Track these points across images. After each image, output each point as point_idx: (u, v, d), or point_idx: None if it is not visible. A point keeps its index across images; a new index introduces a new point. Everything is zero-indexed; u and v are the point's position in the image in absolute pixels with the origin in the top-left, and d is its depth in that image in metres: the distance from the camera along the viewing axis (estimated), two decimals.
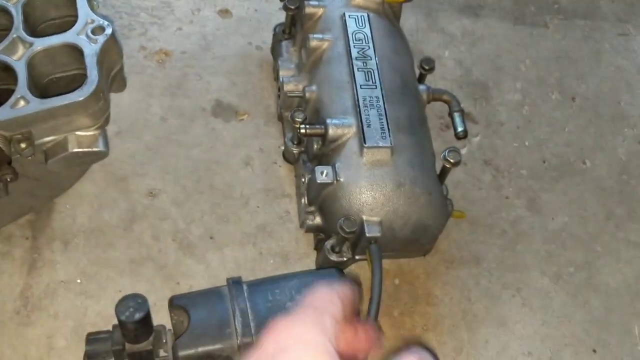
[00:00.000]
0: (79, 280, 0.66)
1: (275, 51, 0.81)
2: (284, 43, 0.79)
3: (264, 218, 0.73)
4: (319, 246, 0.70)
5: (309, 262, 0.71)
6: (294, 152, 0.75)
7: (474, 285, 0.72)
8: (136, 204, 0.72)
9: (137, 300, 0.53)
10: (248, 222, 0.73)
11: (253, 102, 0.82)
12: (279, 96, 0.78)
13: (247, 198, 0.74)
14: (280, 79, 0.75)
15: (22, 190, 0.57)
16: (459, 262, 0.74)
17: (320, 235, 0.70)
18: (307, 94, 0.71)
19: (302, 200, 0.70)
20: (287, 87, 0.74)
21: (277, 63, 0.77)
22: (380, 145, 0.64)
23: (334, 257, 0.66)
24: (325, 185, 0.65)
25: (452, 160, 0.66)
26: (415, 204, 0.64)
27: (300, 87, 0.73)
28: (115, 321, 0.52)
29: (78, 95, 0.51)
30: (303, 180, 0.69)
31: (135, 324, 0.53)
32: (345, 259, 0.66)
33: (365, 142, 0.64)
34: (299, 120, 0.68)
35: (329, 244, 0.67)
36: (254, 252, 0.71)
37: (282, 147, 0.78)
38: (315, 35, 0.72)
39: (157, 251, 0.69)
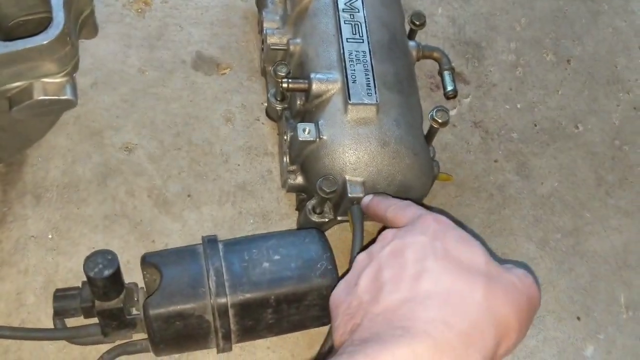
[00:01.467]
0: (50, 236, 0.63)
1: (260, 2, 0.77)
2: None
3: (245, 177, 0.71)
4: (300, 206, 0.68)
5: (291, 223, 0.69)
6: (277, 108, 0.72)
7: None
8: (111, 159, 0.69)
9: (106, 257, 0.51)
10: (227, 180, 0.70)
11: (236, 55, 0.79)
12: (262, 50, 0.74)
13: (227, 155, 0.72)
14: (264, 31, 0.71)
15: None
16: None
17: (302, 195, 0.68)
18: (292, 47, 0.68)
19: (284, 159, 0.67)
20: (271, 40, 0.70)
21: (262, 15, 0.74)
22: (366, 102, 0.62)
23: (315, 218, 0.64)
24: (307, 143, 0.62)
25: (439, 120, 0.64)
26: (400, 164, 0.62)
27: (285, 39, 0.70)
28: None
29: (43, 39, 0.48)
30: (285, 137, 0.67)
31: (104, 281, 0.51)
32: (326, 219, 0.64)
33: (350, 99, 0.61)
34: (282, 74, 0.65)
35: (310, 204, 0.64)
36: (233, 212, 0.69)
37: (265, 104, 0.75)
38: None
39: (132, 208, 0.66)
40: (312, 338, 0.62)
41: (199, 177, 0.70)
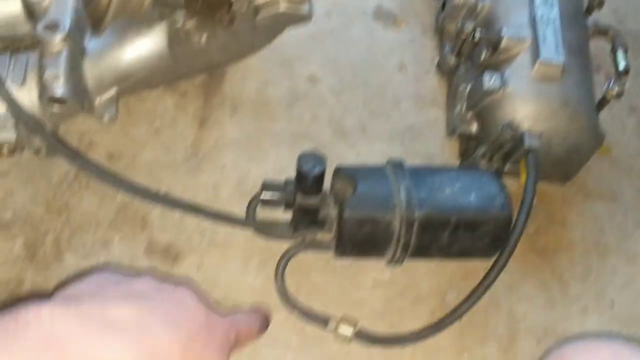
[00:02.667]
0: (244, 143, 0.70)
1: None
2: None
3: (413, 121, 0.76)
4: (465, 155, 0.73)
5: None
6: (451, 63, 0.77)
7: (608, 219, 0.73)
8: (298, 86, 0.75)
9: (317, 157, 0.57)
10: (397, 121, 0.76)
11: (412, 12, 0.84)
12: (442, 7, 0.79)
13: (399, 100, 0.77)
14: None
15: (219, 42, 0.61)
16: (596, 196, 0.75)
17: (470, 143, 0.72)
18: (479, 6, 0.73)
19: (458, 107, 0.72)
20: (458, 0, 0.75)
21: None
22: (554, 61, 0.66)
23: (483, 165, 0.69)
24: (490, 92, 0.67)
25: (615, 91, 0.67)
26: (577, 124, 0.66)
27: (472, 0, 0.75)
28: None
29: None
30: (463, 85, 0.71)
31: (313, 177, 0.57)
32: (495, 167, 0.69)
33: (539, 56, 0.66)
34: (470, 29, 0.69)
35: (480, 150, 0.69)
36: (401, 150, 0.74)
37: (437, 60, 0.80)
38: None
39: (314, 131, 0.73)
40: (467, 271, 0.67)
41: (373, 115, 0.75)
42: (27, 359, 0.30)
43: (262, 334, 0.54)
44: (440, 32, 0.81)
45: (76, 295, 0.38)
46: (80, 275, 0.41)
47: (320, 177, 0.58)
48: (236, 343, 0.45)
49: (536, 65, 0.66)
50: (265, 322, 0.55)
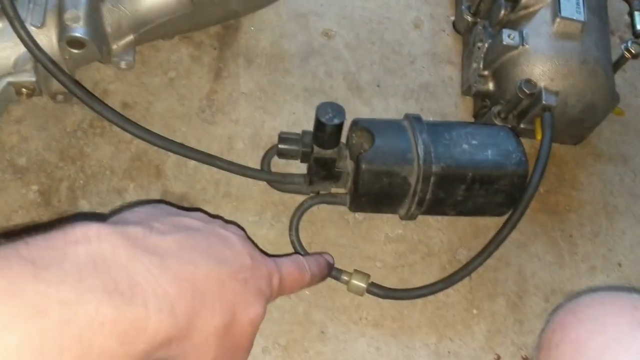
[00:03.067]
0: (258, 95, 0.70)
1: None
2: None
3: (428, 79, 0.76)
4: (480, 112, 0.73)
5: None
6: (468, 20, 0.76)
7: (618, 181, 0.74)
8: (313, 40, 0.75)
9: (336, 108, 0.57)
10: (412, 79, 0.75)
11: None
12: None
13: (414, 57, 0.77)
14: None
15: None
16: (607, 158, 0.75)
17: (484, 102, 0.72)
18: None
19: (474, 65, 0.72)
20: None
21: None
22: (575, 18, 0.65)
23: (499, 123, 0.69)
24: (509, 48, 0.66)
25: (633, 52, 0.67)
26: (594, 83, 0.66)
27: None
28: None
29: None
30: (479, 44, 0.71)
31: (331, 128, 0.57)
32: (509, 126, 0.69)
33: (560, 13, 0.65)
34: None
35: (496, 108, 0.69)
36: (416, 107, 0.74)
37: (452, 18, 0.80)
38: None
39: (328, 86, 0.72)
40: (478, 229, 0.67)
41: (388, 72, 0.75)
42: (76, 275, 0.30)
43: (323, 280, 0.55)
44: None
45: (125, 220, 0.38)
46: (133, 205, 0.41)
47: (339, 129, 0.57)
48: (281, 289, 0.46)
49: (556, 22, 0.65)
50: (327, 269, 0.55)
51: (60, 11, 0.54)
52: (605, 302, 0.45)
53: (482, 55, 0.70)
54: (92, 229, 0.33)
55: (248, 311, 0.40)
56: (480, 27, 0.73)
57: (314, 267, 0.51)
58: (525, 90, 0.64)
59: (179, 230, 0.38)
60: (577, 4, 0.66)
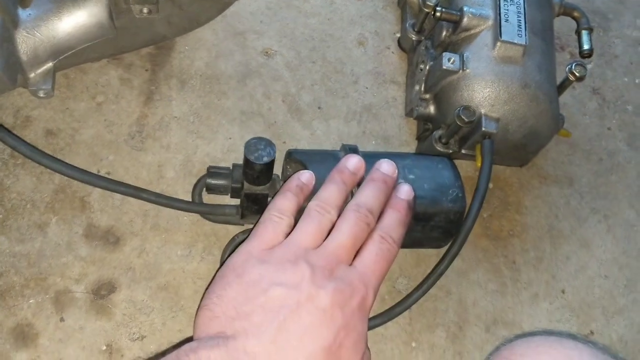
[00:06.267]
0: (191, 120, 0.67)
1: None
2: None
3: (371, 99, 0.74)
4: (422, 136, 0.71)
5: (410, 150, 0.72)
6: (412, 39, 0.74)
7: (563, 204, 0.73)
8: (251, 60, 0.72)
9: (266, 145, 0.54)
10: (355, 99, 0.73)
11: None
12: None
13: (357, 77, 0.74)
14: None
15: (164, 15, 0.58)
16: (553, 180, 0.74)
17: (427, 125, 0.70)
18: None
19: (416, 87, 0.70)
20: None
21: None
22: (516, 42, 0.63)
23: (440, 148, 0.67)
24: (449, 72, 0.64)
25: (577, 74, 0.65)
26: (536, 108, 0.64)
27: None
28: (228, 162, 0.54)
29: None
30: (422, 66, 0.69)
31: (261, 166, 0.54)
32: (450, 151, 0.67)
33: (501, 36, 0.63)
34: (431, 4, 0.67)
35: (437, 133, 0.67)
36: (358, 130, 0.71)
37: (398, 35, 0.77)
38: None
39: (267, 109, 0.70)
40: (419, 257, 0.66)
41: (330, 92, 0.73)
42: None
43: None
44: (402, 5, 0.78)
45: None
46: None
47: (269, 167, 0.55)
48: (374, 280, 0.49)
49: (497, 46, 0.64)
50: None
51: None
52: (540, 351, 0.44)
53: (424, 78, 0.68)
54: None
55: None
56: (423, 48, 0.71)
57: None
58: (464, 118, 0.62)
59: (271, 322, 0.43)
60: (519, 26, 0.64)
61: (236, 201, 0.60)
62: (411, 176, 0.59)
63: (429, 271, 0.61)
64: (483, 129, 0.63)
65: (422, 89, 0.69)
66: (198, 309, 0.45)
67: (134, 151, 0.64)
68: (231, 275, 0.46)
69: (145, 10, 0.56)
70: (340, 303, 0.44)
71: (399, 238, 0.50)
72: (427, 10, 0.67)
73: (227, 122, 0.68)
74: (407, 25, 0.74)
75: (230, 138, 0.67)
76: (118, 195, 0.61)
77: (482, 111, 0.63)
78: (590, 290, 0.68)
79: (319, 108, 0.72)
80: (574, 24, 0.74)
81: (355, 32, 0.77)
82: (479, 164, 0.63)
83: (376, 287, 0.48)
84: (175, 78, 0.69)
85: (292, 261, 0.46)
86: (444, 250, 0.61)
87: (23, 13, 0.56)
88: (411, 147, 0.72)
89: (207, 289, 0.46)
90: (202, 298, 0.46)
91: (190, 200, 0.62)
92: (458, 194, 0.59)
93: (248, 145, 0.54)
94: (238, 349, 0.41)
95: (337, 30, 0.77)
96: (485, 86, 0.63)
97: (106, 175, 0.62)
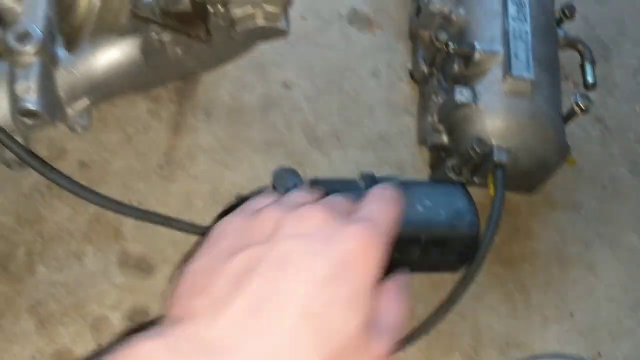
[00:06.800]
0: (217, 149, 0.70)
1: None
2: None
3: (385, 129, 0.77)
4: (435, 165, 0.74)
5: (423, 178, 0.75)
6: (424, 71, 0.78)
7: (570, 229, 0.76)
8: (272, 92, 0.75)
9: (292, 174, 0.57)
10: (370, 129, 0.76)
11: (386, 17, 0.84)
12: (417, 14, 0.80)
13: (372, 107, 0.78)
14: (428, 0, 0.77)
15: (195, 53, 0.61)
16: (560, 206, 0.77)
17: (440, 154, 0.74)
18: (454, 17, 0.73)
19: (429, 118, 0.73)
20: (434, 8, 0.75)
21: None
22: (525, 76, 0.67)
23: (453, 176, 0.70)
24: (462, 105, 0.68)
25: (582, 106, 0.69)
26: (544, 139, 0.67)
27: (447, 9, 0.75)
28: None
29: None
30: (435, 98, 0.73)
31: None
32: (463, 180, 0.70)
33: (511, 71, 0.67)
34: (444, 39, 0.70)
35: (450, 162, 0.70)
36: (373, 158, 0.75)
37: (409, 66, 0.81)
38: None
39: (288, 139, 0.73)
40: (434, 281, 0.69)
41: (346, 122, 0.76)
42: None
43: None
44: (414, 38, 0.82)
45: None
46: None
47: None
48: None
49: (507, 81, 0.67)
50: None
51: (12, 80, 0.54)
52: None
53: (437, 109, 0.72)
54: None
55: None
56: (435, 80, 0.74)
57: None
58: (477, 149, 0.65)
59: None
60: (527, 62, 0.68)
61: None
62: (428, 203, 0.62)
63: (444, 296, 0.64)
64: (495, 159, 0.66)
65: (435, 119, 0.72)
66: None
67: (163, 181, 0.67)
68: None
69: (178, 50, 0.60)
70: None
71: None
72: (438, 45, 0.71)
73: (251, 152, 0.71)
74: (419, 57, 0.78)
75: (254, 167, 0.70)
76: (149, 225, 0.64)
77: (494, 142, 0.67)
78: (597, 313, 0.71)
79: (337, 138, 0.75)
80: (576, 54, 0.78)
81: (370, 64, 0.81)
82: (491, 192, 0.67)
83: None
84: (201, 109, 0.72)
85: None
86: (457, 275, 0.64)
87: (62, 52, 0.60)
88: (424, 174, 0.75)
89: None
90: None
91: None
92: (472, 220, 0.62)
93: (275, 176, 0.57)
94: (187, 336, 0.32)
95: (352, 62, 0.80)
96: (497, 118, 0.67)
97: (137, 205, 0.65)
